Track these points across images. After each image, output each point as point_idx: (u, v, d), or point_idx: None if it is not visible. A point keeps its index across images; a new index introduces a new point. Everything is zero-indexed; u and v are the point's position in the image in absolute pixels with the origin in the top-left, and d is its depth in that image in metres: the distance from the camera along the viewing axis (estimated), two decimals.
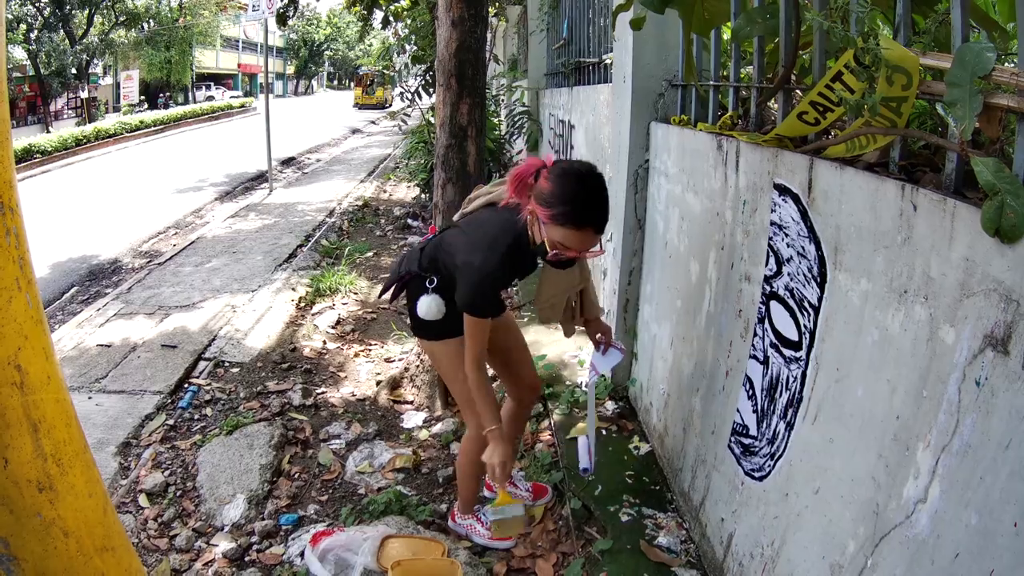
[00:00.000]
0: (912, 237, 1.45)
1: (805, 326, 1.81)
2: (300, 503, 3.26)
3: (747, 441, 2.08)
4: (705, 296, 2.56)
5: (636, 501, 2.77)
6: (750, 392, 2.08)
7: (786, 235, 1.90)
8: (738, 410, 2.16)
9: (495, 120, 8.76)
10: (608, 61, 4.36)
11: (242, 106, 32.71)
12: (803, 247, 1.82)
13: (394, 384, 4.25)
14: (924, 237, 1.41)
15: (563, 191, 1.99)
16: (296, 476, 3.45)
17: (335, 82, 75.34)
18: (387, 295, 2.48)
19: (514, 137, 8.74)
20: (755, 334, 2.07)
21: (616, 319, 3.59)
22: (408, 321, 2.66)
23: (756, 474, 2.01)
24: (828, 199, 1.73)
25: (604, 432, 3.30)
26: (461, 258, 2.16)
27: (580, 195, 2.00)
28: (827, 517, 1.67)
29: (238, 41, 48.24)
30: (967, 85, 1.35)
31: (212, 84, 43.66)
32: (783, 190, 1.91)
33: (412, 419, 3.93)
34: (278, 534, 3.02)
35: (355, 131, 24.33)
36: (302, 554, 2.72)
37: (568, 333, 2.63)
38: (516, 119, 8.44)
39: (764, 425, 1.99)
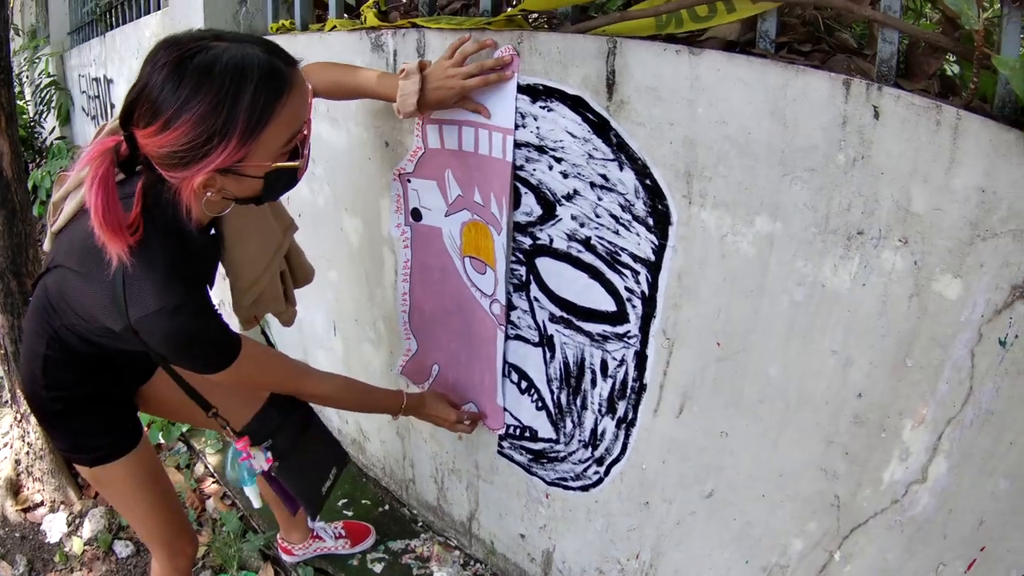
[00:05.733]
0: (871, 156, 0.93)
1: (629, 289, 1.15)
2: None
3: (539, 446, 1.40)
4: (385, 261, 1.63)
5: (376, 536, 1.94)
6: (524, 385, 1.35)
7: (558, 160, 1.11)
8: (505, 409, 1.42)
9: (21, 103, 7.17)
10: None
11: None
12: (605, 175, 1.10)
13: (14, 488, 2.72)
14: (897, 157, 0.92)
15: (213, 101, 0.89)
16: None
17: None
18: None
19: (44, 116, 6.83)
20: (509, 305, 1.29)
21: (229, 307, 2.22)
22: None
23: (573, 483, 1.38)
24: (662, 100, 1.02)
25: None
26: (134, 314, 1.01)
27: (234, 69, 0.90)
28: (740, 520, 1.21)
29: None
30: None
31: None
32: (541, 94, 1.07)
33: (55, 526, 2.51)
34: None
35: None
36: None
37: (289, 320, 1.52)
38: (43, 93, 6.67)
39: (567, 424, 1.33)
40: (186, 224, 1.00)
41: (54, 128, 6.80)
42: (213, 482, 2.42)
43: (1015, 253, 0.87)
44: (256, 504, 1.33)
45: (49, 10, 7.19)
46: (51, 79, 6.85)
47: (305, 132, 1.00)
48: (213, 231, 1.18)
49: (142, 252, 0.97)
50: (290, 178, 1.01)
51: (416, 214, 1.44)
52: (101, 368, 1.22)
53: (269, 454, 1.28)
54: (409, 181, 1.41)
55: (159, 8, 3.07)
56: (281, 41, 1.80)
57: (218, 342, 1.07)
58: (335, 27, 1.54)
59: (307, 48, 1.68)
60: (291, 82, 0.93)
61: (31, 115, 7.30)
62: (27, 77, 8.24)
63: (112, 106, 4.44)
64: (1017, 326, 0.90)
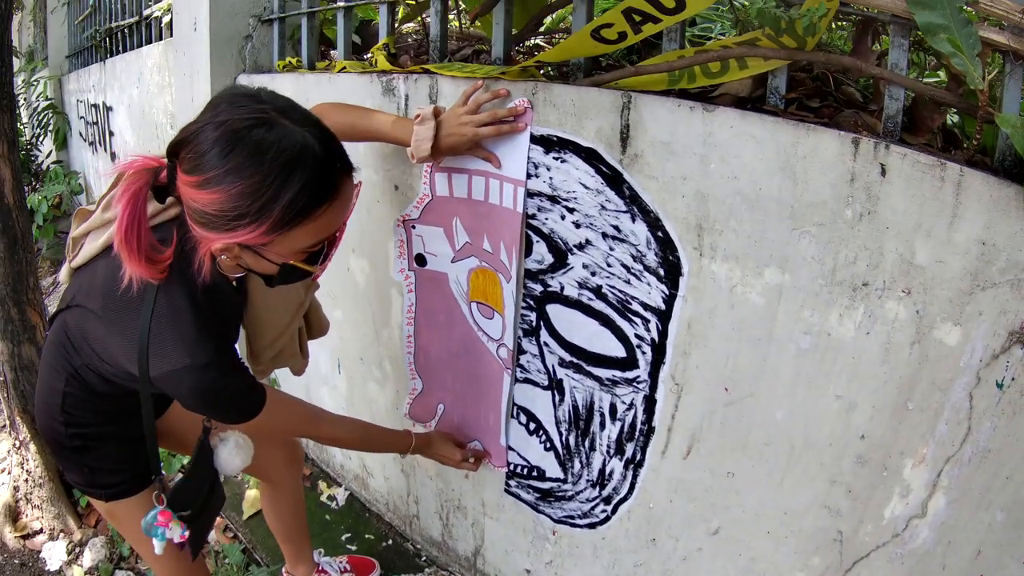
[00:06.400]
0: (877, 212, 0.96)
1: (639, 336, 1.17)
2: None
3: (547, 485, 1.40)
4: (392, 302, 1.63)
5: (381, 571, 1.92)
6: (532, 426, 1.35)
7: (571, 211, 1.13)
8: (511, 448, 1.41)
9: (19, 126, 6.45)
10: (158, 13, 3.13)
11: None
12: (617, 227, 1.12)
13: (13, 514, 2.76)
14: (902, 213, 0.96)
15: (256, 184, 0.87)
16: None
17: None
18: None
19: (40, 139, 6.81)
20: (518, 350, 1.29)
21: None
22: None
23: (580, 521, 1.39)
24: (675, 155, 1.04)
25: None
26: (163, 367, 0.99)
27: (288, 160, 0.88)
28: (745, 556, 1.23)
29: None
30: (948, 9, 0.85)
31: None
32: (555, 144, 1.08)
33: (55, 554, 2.58)
34: None
35: None
36: None
37: (300, 371, 1.46)
38: (41, 116, 6.54)
39: (575, 465, 1.34)
40: (217, 277, 0.99)
41: (51, 152, 6.66)
42: (217, 516, 2.39)
43: (1012, 301, 0.91)
44: (158, 552, 1.30)
45: (48, 32, 7.04)
46: (48, 102, 6.72)
47: (337, 235, 0.99)
48: (239, 286, 1.16)
49: (170, 299, 0.96)
50: (305, 274, 1.01)
51: (420, 259, 1.44)
52: (120, 406, 1.19)
53: (185, 531, 1.24)
54: (414, 227, 1.41)
55: (161, 38, 3.04)
56: (289, 80, 1.80)
57: (245, 396, 1.06)
58: (345, 68, 1.53)
59: (316, 88, 1.68)
60: (338, 191, 0.93)
61: (28, 138, 7.18)
62: (24, 99, 8.04)
63: (111, 134, 4.31)
64: (1013, 369, 0.94)
